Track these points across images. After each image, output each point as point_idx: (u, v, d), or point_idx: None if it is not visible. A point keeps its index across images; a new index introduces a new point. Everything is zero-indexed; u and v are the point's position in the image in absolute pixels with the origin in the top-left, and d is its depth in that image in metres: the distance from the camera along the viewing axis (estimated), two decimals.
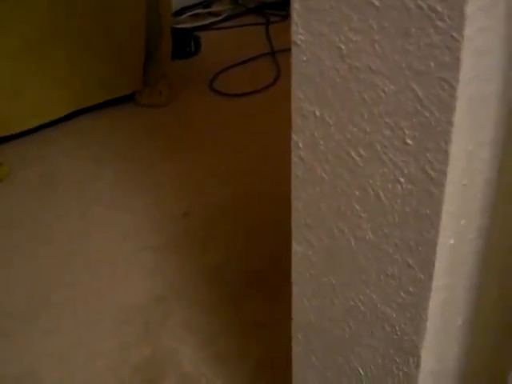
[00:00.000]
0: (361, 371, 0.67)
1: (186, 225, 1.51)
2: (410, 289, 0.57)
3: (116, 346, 1.20)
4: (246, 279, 1.32)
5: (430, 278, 0.55)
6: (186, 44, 2.33)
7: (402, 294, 0.58)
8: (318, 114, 0.57)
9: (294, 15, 0.54)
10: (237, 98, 2.06)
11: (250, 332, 1.20)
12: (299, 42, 0.55)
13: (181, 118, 1.99)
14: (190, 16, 2.73)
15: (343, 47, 0.52)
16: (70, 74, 1.89)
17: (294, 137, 0.60)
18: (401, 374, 0.63)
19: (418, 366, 0.61)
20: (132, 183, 1.66)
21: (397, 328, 0.61)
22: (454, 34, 0.44)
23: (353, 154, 0.56)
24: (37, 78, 1.84)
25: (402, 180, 0.54)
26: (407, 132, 0.51)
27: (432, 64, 0.47)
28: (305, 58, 0.55)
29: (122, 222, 1.52)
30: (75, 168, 1.75)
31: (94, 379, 1.14)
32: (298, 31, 0.54)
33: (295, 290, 0.70)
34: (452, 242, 0.55)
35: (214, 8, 2.80)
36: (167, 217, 1.53)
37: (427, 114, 0.49)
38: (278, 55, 2.30)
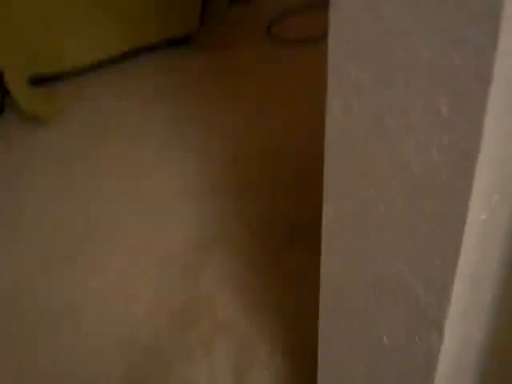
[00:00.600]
0: (385, 340, 0.66)
1: (233, 172, 1.50)
2: (437, 262, 0.56)
3: (154, 289, 1.22)
4: (290, 230, 1.31)
5: (457, 252, 0.54)
6: None
7: (428, 265, 0.57)
8: (353, 75, 0.55)
9: None
10: (295, 46, 2.02)
11: (287, 285, 1.20)
12: (338, 1, 0.53)
13: (234, 64, 1.96)
14: None
15: (382, 8, 0.50)
16: (127, 10, 1.88)
17: (329, 97, 0.59)
18: (424, 345, 0.62)
19: (441, 337, 0.60)
20: (182, 127, 1.66)
21: (421, 299, 0.59)
22: (495, 2, 0.42)
23: (386, 119, 0.54)
24: (92, 13, 1.84)
25: (434, 150, 0.51)
26: (442, 101, 0.49)
27: (471, 31, 0.44)
28: (342, 18, 0.53)
29: (169, 165, 1.53)
30: (127, 108, 1.76)
31: (131, 319, 1.16)
32: None
33: (324, 252, 0.69)
34: (483, 217, 0.53)
35: None
36: (214, 163, 1.53)
37: (463, 84, 0.47)
38: None
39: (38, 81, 1.84)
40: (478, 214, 0.52)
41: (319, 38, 2.05)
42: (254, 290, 1.21)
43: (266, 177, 1.48)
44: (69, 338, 1.14)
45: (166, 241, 1.32)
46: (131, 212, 1.41)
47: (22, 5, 1.76)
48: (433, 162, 0.52)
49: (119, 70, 1.95)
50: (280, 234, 1.31)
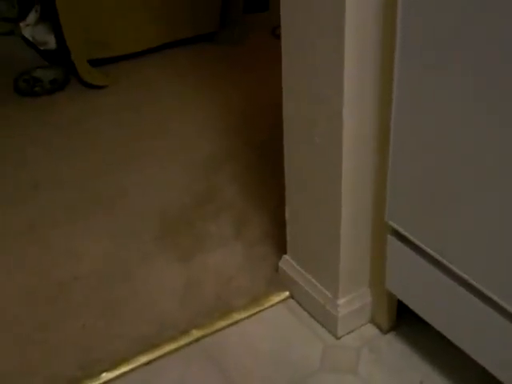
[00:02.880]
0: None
1: (244, 116, 2.07)
2: None
3: (181, 182, 1.78)
4: None
5: None
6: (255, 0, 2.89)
7: None
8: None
9: None
10: None
11: (274, 182, 1.74)
12: None
13: (246, 54, 2.55)
14: None
15: None
16: (163, 11, 2.48)
17: None
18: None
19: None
20: (207, 92, 2.23)
21: None
22: None
23: None
24: (137, 12, 2.44)
25: None
26: None
27: None
28: None
29: (194, 113, 2.10)
30: (165, 79, 2.34)
31: (166, 199, 1.72)
32: None
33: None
34: None
35: None
36: (231, 111, 2.10)
37: None
38: None
39: (95, 62, 2.42)
40: None
41: None
42: (255, 185, 1.76)
43: (268, 120, 2.03)
44: (122, 209, 1.70)
45: (190, 155, 1.89)
46: (166, 140, 1.98)
47: (86, 4, 2.36)
48: None
49: (157, 57, 2.53)
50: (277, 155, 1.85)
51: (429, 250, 1.10)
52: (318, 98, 1.12)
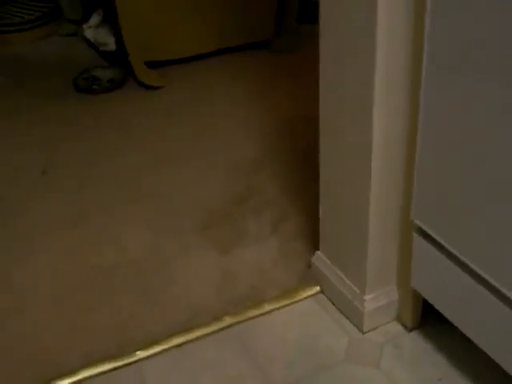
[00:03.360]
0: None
1: (284, 122, 2.13)
2: None
3: (223, 182, 1.85)
4: None
5: None
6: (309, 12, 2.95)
7: None
8: None
9: None
10: None
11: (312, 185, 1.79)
12: None
13: (298, 62, 2.61)
14: None
15: None
16: (217, 18, 2.56)
17: None
18: None
19: None
20: (252, 97, 2.31)
21: None
22: None
23: None
24: (191, 19, 2.53)
25: None
26: None
27: None
28: None
29: (238, 116, 2.18)
30: (215, 83, 2.42)
31: (209, 197, 1.79)
32: None
33: None
34: None
35: None
36: (273, 117, 2.17)
37: None
38: None
39: (151, 64, 2.52)
40: None
41: None
42: (293, 187, 1.82)
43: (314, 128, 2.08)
44: (165, 204, 1.78)
45: (235, 156, 1.96)
46: (213, 140, 2.06)
47: (144, 9, 2.47)
48: None
49: (212, 61, 2.62)
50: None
51: (453, 250, 1.14)
52: (350, 99, 1.18)
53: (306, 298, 1.48)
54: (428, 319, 1.37)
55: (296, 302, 1.47)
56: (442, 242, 1.16)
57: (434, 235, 1.18)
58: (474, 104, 0.99)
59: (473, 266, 1.10)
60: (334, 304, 1.45)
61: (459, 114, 1.03)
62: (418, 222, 1.21)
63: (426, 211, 1.18)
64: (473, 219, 1.08)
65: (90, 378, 1.31)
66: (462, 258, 1.12)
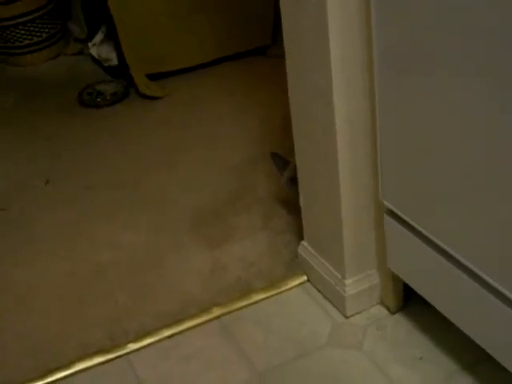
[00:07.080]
0: None
1: (276, 127, 2.18)
2: None
3: (217, 181, 1.90)
4: None
5: None
6: None
7: None
8: None
9: None
10: None
11: None
12: None
13: None
14: None
15: None
16: (217, 28, 2.63)
17: None
18: None
19: None
20: (250, 106, 2.36)
21: None
22: None
23: None
24: (191, 31, 2.59)
25: None
26: None
27: None
28: None
29: (235, 125, 2.23)
30: (215, 98, 2.47)
31: (203, 194, 1.85)
32: None
33: None
34: None
35: None
36: (267, 122, 2.22)
37: None
38: None
39: (152, 76, 2.59)
40: None
41: None
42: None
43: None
44: (161, 205, 1.84)
45: (230, 159, 2.01)
46: (210, 146, 2.12)
47: (143, 24, 2.55)
48: None
49: (211, 69, 2.67)
50: None
51: (422, 230, 1.16)
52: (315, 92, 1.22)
53: (293, 287, 1.52)
54: (412, 301, 1.40)
55: (283, 291, 1.51)
56: (411, 222, 1.19)
57: (402, 215, 1.21)
58: (423, 88, 1.03)
59: (443, 245, 1.12)
60: (319, 291, 1.48)
61: (411, 100, 1.07)
62: (386, 203, 1.24)
63: (393, 192, 1.21)
64: (436, 198, 1.10)
65: (85, 370, 1.36)
66: (431, 237, 1.14)
